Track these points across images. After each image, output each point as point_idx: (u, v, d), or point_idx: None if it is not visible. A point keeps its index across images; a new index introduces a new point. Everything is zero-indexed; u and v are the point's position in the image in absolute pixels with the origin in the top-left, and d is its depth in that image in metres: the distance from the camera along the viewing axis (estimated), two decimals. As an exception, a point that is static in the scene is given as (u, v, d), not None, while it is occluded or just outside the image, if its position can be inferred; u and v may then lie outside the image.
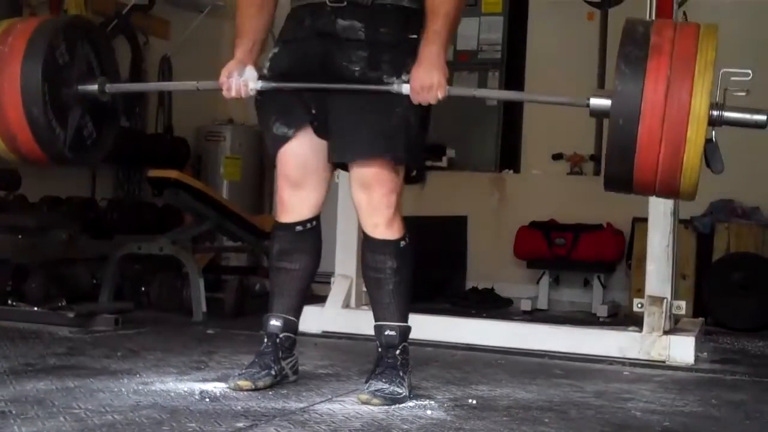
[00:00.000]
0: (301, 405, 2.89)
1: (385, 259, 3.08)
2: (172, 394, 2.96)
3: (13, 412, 2.58)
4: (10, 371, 3.23)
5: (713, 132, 2.62)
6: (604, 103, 2.68)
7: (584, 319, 6.02)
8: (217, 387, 3.08)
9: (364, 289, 4.67)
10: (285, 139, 3.14)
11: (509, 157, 7.34)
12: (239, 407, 2.78)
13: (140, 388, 3.04)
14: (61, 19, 3.23)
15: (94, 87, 3.26)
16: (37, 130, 3.11)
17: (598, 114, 2.74)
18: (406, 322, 3.13)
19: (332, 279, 4.85)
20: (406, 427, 2.66)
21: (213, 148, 7.48)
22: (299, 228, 3.19)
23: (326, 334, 4.62)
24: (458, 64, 7.24)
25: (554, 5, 7.13)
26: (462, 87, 3.08)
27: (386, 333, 3.10)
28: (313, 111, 3.10)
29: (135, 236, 5.71)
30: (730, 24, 6.53)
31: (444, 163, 7.05)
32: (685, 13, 4.35)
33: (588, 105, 2.76)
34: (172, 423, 2.53)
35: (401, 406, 2.93)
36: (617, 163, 2.64)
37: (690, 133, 2.53)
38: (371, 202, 3.06)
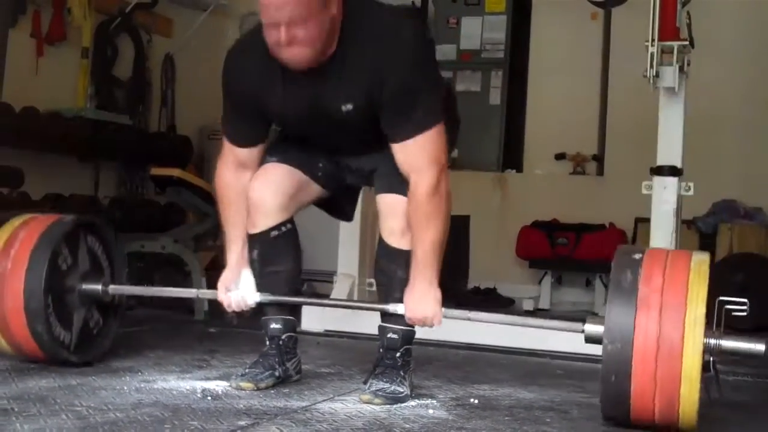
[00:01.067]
0: (303, 404, 2.89)
1: (396, 269, 3.05)
2: (174, 392, 2.96)
3: (16, 409, 2.58)
4: (13, 369, 3.24)
5: (711, 360, 2.60)
6: (599, 331, 2.68)
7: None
8: (219, 385, 3.08)
9: (367, 288, 4.71)
10: (270, 162, 3.16)
11: (512, 157, 7.35)
12: (241, 405, 2.78)
13: (142, 386, 3.04)
14: (64, 224, 3.27)
15: (98, 288, 3.35)
16: (43, 344, 3.21)
17: (594, 341, 2.74)
18: (412, 326, 3.12)
19: (335, 278, 4.85)
20: (407, 426, 2.66)
21: (216, 147, 7.43)
22: (275, 233, 3.13)
23: (328, 333, 4.62)
24: (461, 63, 7.25)
25: (558, 5, 7.13)
26: (455, 310, 3.05)
27: (389, 335, 3.09)
28: (321, 165, 3.15)
29: (137, 234, 5.71)
30: (734, 21, 6.56)
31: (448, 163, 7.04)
32: (689, 13, 4.34)
33: (583, 331, 2.79)
34: (174, 421, 2.53)
35: (403, 405, 2.94)
36: (613, 410, 2.67)
37: (683, 390, 2.52)
38: (392, 206, 3.03)
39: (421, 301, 2.94)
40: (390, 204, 3.03)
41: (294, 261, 3.21)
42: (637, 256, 2.66)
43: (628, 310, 2.55)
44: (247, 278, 3.15)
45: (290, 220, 3.17)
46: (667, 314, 2.52)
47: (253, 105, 3.02)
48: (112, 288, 3.38)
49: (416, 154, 2.88)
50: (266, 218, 3.11)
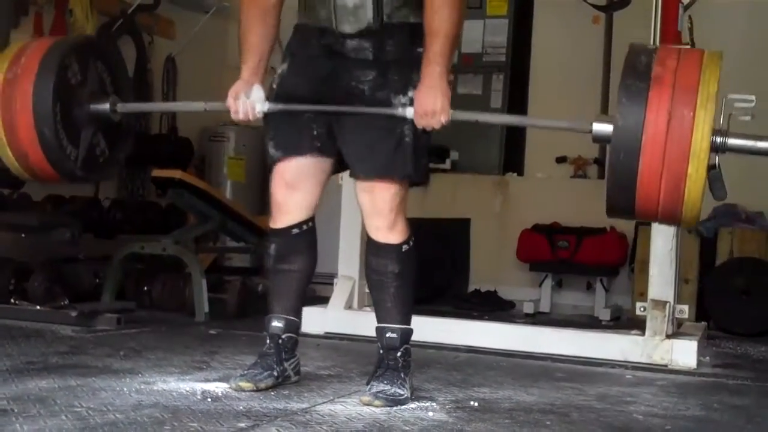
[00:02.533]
0: (303, 405, 2.89)
1: (387, 263, 3.08)
2: (174, 393, 2.96)
3: (15, 410, 2.58)
4: (13, 369, 3.24)
5: (717, 158, 2.61)
6: (606, 129, 2.66)
7: (587, 322, 6.01)
8: (219, 387, 3.08)
9: (367, 290, 4.71)
10: (276, 159, 3.16)
11: (513, 160, 7.34)
12: (241, 407, 2.78)
13: (142, 387, 3.04)
14: (73, 39, 3.25)
15: (106, 106, 3.29)
16: (49, 150, 3.14)
17: (601, 140, 2.73)
18: (409, 324, 3.13)
19: (335, 280, 4.85)
20: (407, 428, 2.66)
21: (217, 149, 7.49)
22: (296, 231, 3.17)
23: (329, 335, 4.62)
24: (463, 66, 7.24)
25: (559, 9, 7.13)
26: (464, 111, 3.04)
27: (387, 335, 3.10)
28: (316, 133, 3.11)
29: (138, 236, 5.72)
30: (735, 25, 6.56)
31: (447, 165, 7.05)
32: (690, 18, 4.35)
33: (591, 131, 2.76)
34: (173, 422, 2.53)
35: (403, 407, 2.93)
36: (618, 194, 2.64)
37: (690, 169, 2.51)
38: (375, 205, 3.06)
39: (430, 93, 2.95)
40: (372, 201, 3.05)
41: (309, 261, 3.23)
42: (652, 47, 2.67)
43: (641, 87, 2.53)
44: (258, 90, 3.12)
45: (312, 219, 3.20)
46: (680, 92, 2.51)
47: None
48: (120, 106, 3.31)
49: None
50: (288, 216, 3.16)
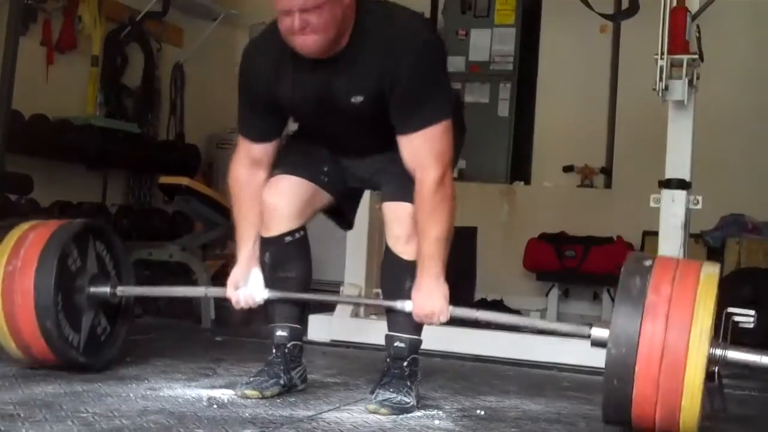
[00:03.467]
0: (309, 413, 2.88)
1: (402, 279, 3.07)
2: (180, 400, 2.96)
3: (22, 414, 2.59)
4: (19, 374, 3.24)
5: (717, 370, 2.60)
6: (604, 336, 2.67)
7: (593, 332, 5.99)
8: (225, 394, 3.08)
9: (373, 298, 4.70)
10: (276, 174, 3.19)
11: (520, 169, 7.34)
12: (247, 414, 2.78)
13: (148, 393, 3.04)
14: (73, 227, 3.29)
15: (106, 290, 3.36)
16: (52, 341, 3.21)
17: (600, 346, 2.73)
18: (419, 335, 3.12)
19: (341, 288, 4.85)
20: (413, 436, 2.66)
21: (224, 156, 7.47)
22: (288, 239, 3.16)
23: (335, 343, 4.62)
24: (470, 75, 7.25)
25: (567, 17, 7.12)
26: (463, 308, 3.06)
27: (396, 344, 3.09)
28: (326, 169, 3.17)
29: (145, 242, 5.72)
30: (744, 34, 6.56)
31: (454, 173, 7.02)
32: (698, 27, 4.34)
33: (590, 336, 2.80)
34: (179, 429, 2.53)
35: (409, 415, 2.93)
36: (614, 413, 2.65)
37: (684, 403, 2.51)
38: (397, 213, 3.05)
39: (428, 296, 2.96)
40: (395, 211, 3.05)
41: (304, 268, 3.23)
42: (648, 263, 2.66)
43: (635, 316, 2.54)
44: (257, 276, 3.17)
45: (303, 227, 3.20)
46: (674, 324, 2.52)
47: (266, 97, 3.06)
48: (120, 289, 3.38)
49: (422, 147, 2.91)
50: (281, 224, 3.15)
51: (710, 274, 2.64)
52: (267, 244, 3.18)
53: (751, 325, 2.61)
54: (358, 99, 2.93)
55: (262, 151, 3.15)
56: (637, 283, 2.59)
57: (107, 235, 3.50)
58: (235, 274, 3.18)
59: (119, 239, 3.58)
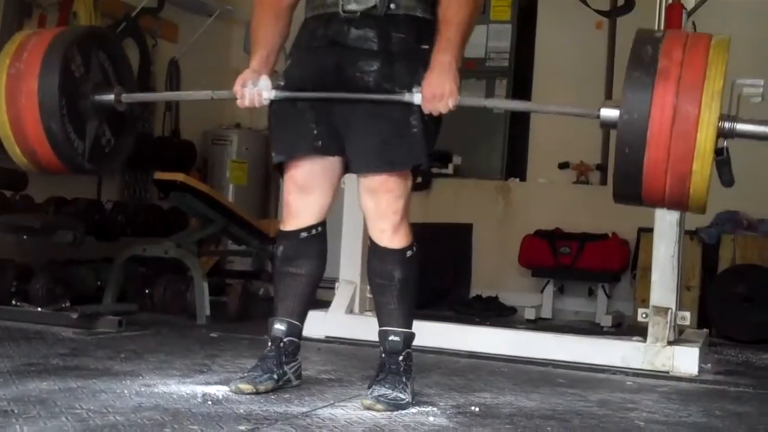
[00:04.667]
0: (304, 409, 2.88)
1: (391, 269, 3.07)
2: (175, 396, 2.96)
3: (16, 411, 2.58)
4: (14, 371, 3.24)
5: (725, 143, 2.60)
6: (614, 115, 2.66)
7: (588, 328, 6.01)
8: (219, 390, 3.07)
9: (368, 295, 4.71)
10: (279, 162, 3.17)
11: (515, 165, 7.35)
12: (241, 410, 2.78)
13: (143, 389, 3.04)
14: (75, 31, 3.25)
15: (110, 97, 3.29)
16: (57, 144, 3.14)
17: (609, 125, 2.72)
18: (411, 328, 3.13)
19: (336, 284, 4.85)
20: (408, 433, 2.66)
21: (219, 152, 7.50)
22: (304, 234, 3.18)
23: (330, 339, 4.62)
24: (466, 71, 7.21)
25: (563, 14, 7.14)
26: (472, 97, 3.05)
27: (390, 339, 3.09)
28: (316, 132, 3.10)
29: (140, 239, 5.72)
30: (740, 31, 6.56)
31: (450, 170, 7.05)
32: (694, 23, 4.34)
33: (599, 116, 2.75)
34: (174, 425, 2.53)
35: (404, 412, 2.93)
36: (625, 185, 2.64)
37: (695, 167, 2.51)
38: (378, 208, 3.06)
39: (440, 77, 2.95)
40: (376, 204, 3.04)
41: (316, 266, 3.23)
42: (658, 34, 2.65)
43: (647, 80, 2.53)
44: (265, 80, 3.13)
45: (322, 223, 3.21)
46: (685, 87, 2.50)
47: None
48: (125, 96, 3.31)
49: None
50: (298, 220, 3.17)
51: (722, 39, 2.61)
52: (282, 237, 3.20)
53: (759, 99, 2.59)
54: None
55: None
56: (649, 51, 2.58)
57: (110, 44, 3.42)
58: (244, 75, 3.14)
59: (122, 48, 3.51)
